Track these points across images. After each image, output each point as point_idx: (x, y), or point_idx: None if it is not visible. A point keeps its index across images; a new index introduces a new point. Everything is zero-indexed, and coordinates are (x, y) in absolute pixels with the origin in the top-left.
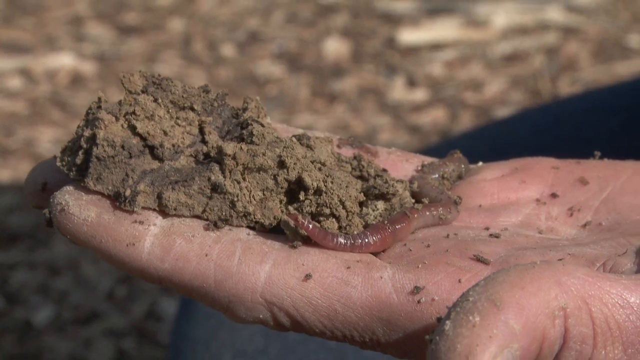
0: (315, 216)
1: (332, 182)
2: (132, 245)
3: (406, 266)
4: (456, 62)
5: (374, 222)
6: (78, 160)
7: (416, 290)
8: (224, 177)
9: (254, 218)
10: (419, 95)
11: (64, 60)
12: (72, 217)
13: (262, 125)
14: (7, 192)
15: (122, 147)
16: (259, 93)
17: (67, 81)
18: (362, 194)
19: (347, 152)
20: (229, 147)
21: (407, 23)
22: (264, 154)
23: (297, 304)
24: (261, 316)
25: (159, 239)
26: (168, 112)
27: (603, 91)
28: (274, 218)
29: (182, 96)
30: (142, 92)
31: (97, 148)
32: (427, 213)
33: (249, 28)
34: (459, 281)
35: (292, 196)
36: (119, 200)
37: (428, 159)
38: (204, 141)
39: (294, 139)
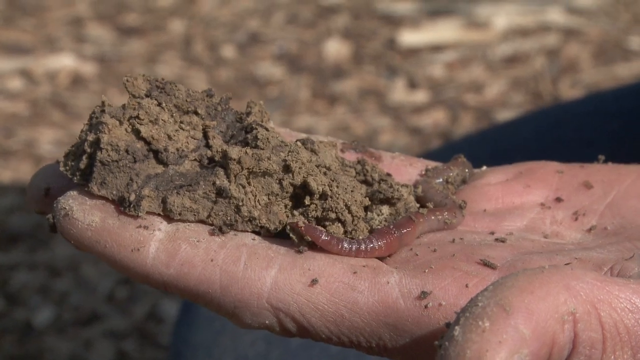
0: (320, 221)
1: (337, 187)
2: (137, 251)
3: (413, 271)
4: (457, 63)
5: (379, 227)
6: (82, 165)
7: (423, 295)
8: (229, 181)
9: (259, 223)
10: (420, 96)
11: (65, 61)
12: (76, 222)
13: (267, 130)
14: (7, 193)
15: (127, 151)
16: (260, 94)
17: (68, 82)
18: (367, 198)
19: (351, 157)
20: (234, 152)
21: (408, 24)
22: (269, 158)
23: (303, 310)
24: (267, 322)
25: (164, 244)
26: (172, 116)
27: (605, 94)
28: (279, 223)
29: (186, 100)
30: (146, 96)
31: (101, 152)
32: (433, 217)
33: (250, 29)
34: (466, 286)
35: (297, 201)
36: (123, 205)
37: (432, 163)
38: (208, 145)
39: (298, 143)
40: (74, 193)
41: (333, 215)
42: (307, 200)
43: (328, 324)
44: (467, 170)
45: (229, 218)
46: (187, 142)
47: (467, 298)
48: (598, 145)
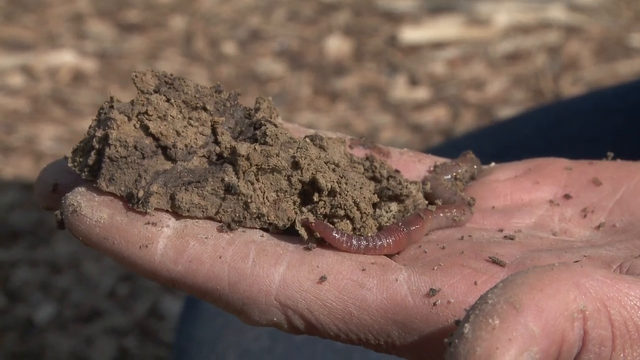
0: (329, 218)
1: (346, 184)
2: (145, 247)
3: (421, 268)
4: (458, 60)
5: (387, 224)
6: (90, 161)
7: (432, 292)
8: (238, 178)
9: (268, 219)
10: (421, 93)
11: (65, 58)
12: (84, 219)
13: (276, 126)
14: (8, 189)
15: (135, 147)
16: (261, 91)
17: (69, 78)
18: (375, 195)
19: (359, 153)
20: (243, 148)
21: (409, 21)
22: (277, 155)
23: (311, 307)
24: (275, 319)
25: (172, 241)
26: (180, 112)
27: (606, 91)
28: (288, 219)
29: (195, 96)
30: (155, 91)
31: (110, 148)
32: (441, 215)
33: (251, 26)
34: (475, 283)
35: (305, 197)
36: (131, 202)
37: (440, 160)
38: (216, 142)
39: (307, 139)
40: (82, 189)
41: (342, 212)
42: (315, 197)
43: (336, 322)
44: (475, 166)
45: (237, 215)
46: (196, 138)
47: (476, 295)
48: (600, 142)
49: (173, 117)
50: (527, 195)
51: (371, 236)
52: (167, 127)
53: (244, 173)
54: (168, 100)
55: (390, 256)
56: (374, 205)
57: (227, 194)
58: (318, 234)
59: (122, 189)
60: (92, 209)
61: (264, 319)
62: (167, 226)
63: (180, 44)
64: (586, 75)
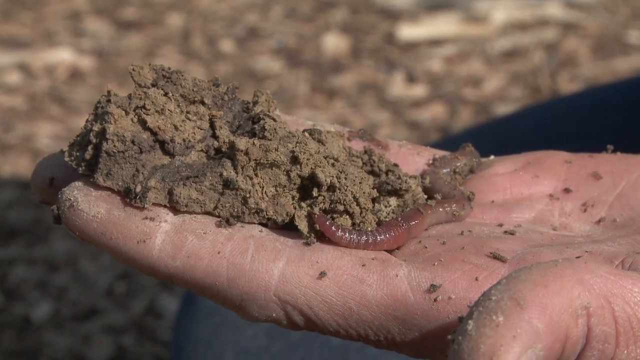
0: (328, 213)
1: (345, 178)
2: (143, 243)
3: (422, 264)
4: (455, 57)
5: (386, 219)
6: (87, 155)
7: (432, 288)
8: (236, 172)
9: (267, 214)
10: (419, 91)
11: (63, 55)
12: (81, 214)
13: (274, 120)
14: (6, 187)
15: (133, 142)
16: (258, 88)
17: (66, 76)
18: (374, 190)
19: (357, 145)
20: (241, 143)
21: (407, 18)
22: (276, 150)
23: (311, 303)
24: (274, 315)
25: (170, 236)
26: (178, 106)
27: (604, 87)
28: (287, 214)
29: (193, 90)
30: (152, 85)
31: (107, 143)
32: (441, 209)
33: (248, 23)
34: (476, 279)
35: (304, 192)
36: (129, 197)
37: (439, 152)
38: (214, 136)
39: (306, 133)
40: (79, 184)
41: (341, 207)
42: (314, 192)
43: (336, 317)
44: (474, 159)
45: (235, 210)
46: (194, 133)
47: (477, 291)
48: (598, 138)
49: (171, 111)
50: (527, 189)
51: (371, 231)
52: (164, 121)
53: (242, 168)
54: (166, 94)
55: (390, 251)
56: (373, 200)
57: (226, 189)
58: (318, 226)
59: (120, 183)
60: (89, 204)
61: (263, 314)
62: (165, 221)
63: (177, 42)
64: (584, 72)
